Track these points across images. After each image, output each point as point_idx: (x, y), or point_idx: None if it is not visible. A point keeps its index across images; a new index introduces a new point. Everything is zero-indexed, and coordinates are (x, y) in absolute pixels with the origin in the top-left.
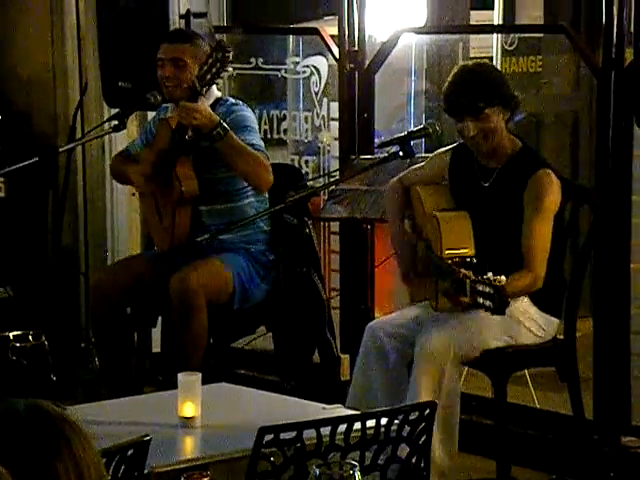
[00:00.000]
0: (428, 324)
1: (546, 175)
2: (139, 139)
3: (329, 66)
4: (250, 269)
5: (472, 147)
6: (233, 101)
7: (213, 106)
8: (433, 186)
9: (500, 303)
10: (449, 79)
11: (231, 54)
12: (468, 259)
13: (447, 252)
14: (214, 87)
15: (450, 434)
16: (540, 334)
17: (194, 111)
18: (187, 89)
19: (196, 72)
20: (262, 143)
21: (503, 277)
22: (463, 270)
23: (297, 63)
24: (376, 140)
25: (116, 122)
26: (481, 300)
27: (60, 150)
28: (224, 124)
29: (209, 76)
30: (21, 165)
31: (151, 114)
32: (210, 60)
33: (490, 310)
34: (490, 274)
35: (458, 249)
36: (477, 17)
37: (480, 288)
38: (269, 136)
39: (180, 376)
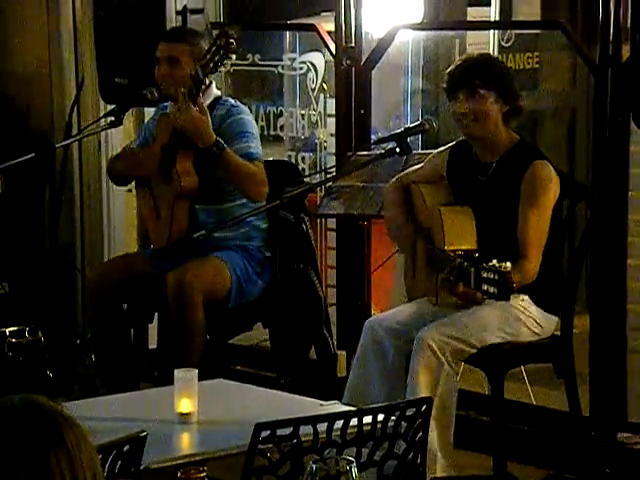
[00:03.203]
0: (427, 320)
1: (542, 166)
2: (138, 140)
3: (326, 62)
4: (247, 266)
5: (463, 129)
6: (233, 102)
7: (212, 105)
8: (433, 184)
9: (505, 288)
10: (454, 64)
11: (234, 42)
12: (470, 253)
13: (449, 246)
14: (213, 85)
15: (446, 430)
16: (538, 331)
17: (199, 121)
18: (189, 79)
19: (192, 70)
20: (259, 150)
21: (509, 263)
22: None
23: (294, 59)
24: (373, 136)
25: (112, 118)
26: (485, 287)
27: (57, 146)
28: (221, 142)
29: (212, 64)
30: (18, 161)
31: (148, 110)
32: (213, 48)
33: (495, 297)
34: (495, 261)
35: (460, 243)
36: (474, 14)
37: (485, 275)
38: (266, 132)
39: (177, 372)
